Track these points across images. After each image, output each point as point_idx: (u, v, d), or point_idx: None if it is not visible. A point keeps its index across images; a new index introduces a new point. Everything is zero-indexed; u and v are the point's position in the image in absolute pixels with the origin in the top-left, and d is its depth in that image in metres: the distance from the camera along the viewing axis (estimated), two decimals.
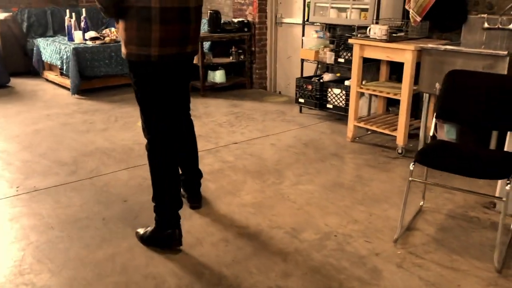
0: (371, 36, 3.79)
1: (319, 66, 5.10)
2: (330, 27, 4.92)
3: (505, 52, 3.02)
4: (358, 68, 3.91)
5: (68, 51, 5.60)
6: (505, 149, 2.78)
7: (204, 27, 5.88)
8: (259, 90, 6.13)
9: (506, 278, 2.17)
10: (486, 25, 3.52)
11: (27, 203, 2.92)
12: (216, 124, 4.60)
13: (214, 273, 2.21)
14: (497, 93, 2.54)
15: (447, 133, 3.68)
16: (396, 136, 3.79)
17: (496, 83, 2.57)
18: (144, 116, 2.38)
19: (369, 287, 2.11)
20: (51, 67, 6.48)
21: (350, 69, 4.39)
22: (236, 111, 5.08)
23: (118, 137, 4.19)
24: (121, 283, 2.14)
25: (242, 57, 5.97)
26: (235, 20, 5.88)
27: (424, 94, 3.62)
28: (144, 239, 2.47)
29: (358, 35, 3.94)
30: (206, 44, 6.15)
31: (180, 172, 2.87)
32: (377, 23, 4.00)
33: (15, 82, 6.34)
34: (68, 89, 5.81)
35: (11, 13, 6.76)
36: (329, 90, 4.54)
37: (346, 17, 4.46)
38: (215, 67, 5.83)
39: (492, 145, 3.34)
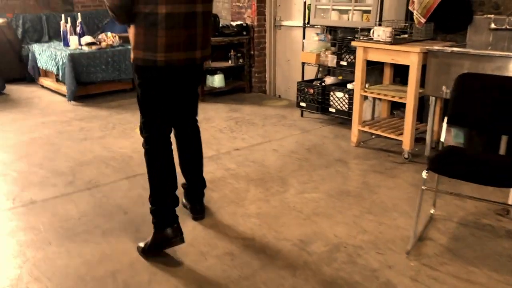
0: (374, 39, 3.70)
1: (320, 69, 5.01)
2: (331, 30, 4.83)
3: None
4: (361, 71, 3.82)
5: (63, 56, 5.49)
6: None
7: None
8: (259, 94, 6.03)
9: None
10: (492, 25, 3.44)
11: (24, 217, 2.81)
12: (216, 130, 4.50)
13: None
14: (511, 96, 2.45)
15: (454, 137, 3.60)
16: (401, 140, 3.70)
17: (509, 86, 2.48)
18: (144, 117, 2.38)
19: None
20: (46, 73, 6.36)
21: (352, 72, 4.31)
22: (236, 116, 4.99)
23: (116, 145, 4.09)
24: None
25: (241, 61, 5.88)
26: (234, 24, 5.79)
27: (430, 97, 3.54)
28: (146, 250, 2.39)
29: (361, 38, 3.85)
30: None
31: (184, 181, 2.79)
32: (380, 25, 3.92)
33: (10, 89, 6.23)
34: (64, 95, 5.71)
35: (5, 19, 6.65)
36: (332, 93, 4.45)
37: (348, 19, 4.37)
38: (213, 72, 5.73)
39: (502, 150, 3.25)
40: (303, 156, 3.78)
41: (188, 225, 2.68)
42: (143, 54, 2.23)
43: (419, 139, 3.86)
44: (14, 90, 6.24)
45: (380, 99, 4.18)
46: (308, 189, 3.16)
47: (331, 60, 4.46)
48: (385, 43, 3.61)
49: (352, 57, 4.20)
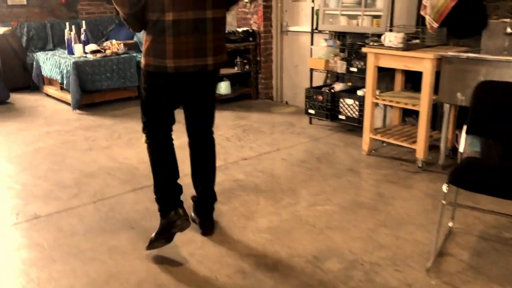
0: (386, 44, 3.60)
1: (329, 75, 4.91)
2: (339, 35, 4.73)
3: None
4: (372, 78, 3.72)
5: (68, 65, 5.43)
6: None
7: None
8: (265, 100, 5.94)
9: None
10: (509, 30, 3.33)
11: (28, 232, 2.73)
12: (223, 138, 4.40)
13: None
14: None
15: (470, 145, 3.48)
16: (414, 149, 3.59)
17: None
18: (146, 117, 2.46)
19: None
20: (51, 82, 6.30)
21: (362, 78, 4.22)
22: (243, 124, 4.90)
23: (122, 155, 4.00)
24: None
25: (247, 67, 5.79)
26: (240, 30, 5.70)
27: (445, 104, 3.43)
28: (154, 240, 2.43)
29: (372, 43, 3.75)
30: None
31: (194, 193, 2.70)
32: (391, 30, 3.82)
33: (14, 97, 6.17)
34: (68, 104, 5.63)
35: (10, 28, 6.61)
36: (341, 100, 4.35)
37: (358, 25, 4.28)
38: (220, 78, 5.64)
39: None
40: (313, 166, 3.68)
41: (197, 241, 2.58)
42: (153, 61, 2.28)
43: (431, 147, 3.74)
44: (19, 99, 6.18)
45: (391, 106, 4.07)
46: (320, 201, 3.06)
47: (340, 66, 4.37)
48: (397, 49, 3.51)
49: (362, 63, 4.10)
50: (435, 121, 3.83)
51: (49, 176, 3.57)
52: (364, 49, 3.74)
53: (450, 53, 3.25)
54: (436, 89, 3.41)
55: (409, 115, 4.12)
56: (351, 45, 4.20)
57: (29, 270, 2.34)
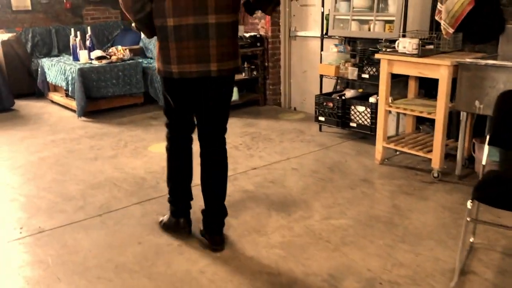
0: (400, 51, 3.49)
1: (339, 81, 4.81)
2: (349, 40, 4.63)
3: None
4: (386, 85, 3.61)
5: (73, 71, 5.35)
6: None
7: None
8: (273, 106, 5.84)
9: None
10: None
11: (31, 248, 2.63)
12: (231, 146, 4.30)
13: None
14: None
15: (488, 155, 3.35)
16: (429, 158, 3.47)
17: None
18: (167, 119, 2.58)
19: None
20: (56, 88, 6.23)
21: (373, 85, 4.12)
22: (252, 131, 4.79)
23: (128, 165, 3.91)
24: None
25: (255, 73, 5.69)
26: (247, 35, 5.61)
27: (462, 112, 3.31)
28: (161, 225, 2.79)
29: (386, 49, 3.64)
30: None
31: (204, 206, 2.61)
32: (404, 36, 3.71)
33: (19, 104, 6.10)
34: (74, 111, 5.56)
35: (15, 34, 6.54)
36: (352, 107, 4.24)
37: (369, 30, 4.17)
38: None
39: None
40: (326, 176, 3.57)
41: (208, 257, 2.48)
42: (162, 66, 2.34)
43: (446, 155, 3.62)
44: (24, 105, 6.11)
45: (404, 114, 3.96)
46: (334, 214, 2.95)
47: (351, 72, 4.26)
48: (411, 55, 3.41)
49: (374, 69, 3.99)
50: (450, 129, 3.72)
51: (54, 187, 3.47)
52: (377, 56, 3.63)
53: (468, 60, 3.14)
54: (451, 96, 3.30)
55: (423, 123, 4.00)
56: (363, 51, 4.09)
57: None
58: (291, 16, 5.54)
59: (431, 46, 3.61)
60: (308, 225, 2.81)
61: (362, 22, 4.27)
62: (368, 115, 4.11)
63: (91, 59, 5.62)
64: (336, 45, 4.56)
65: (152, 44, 6.71)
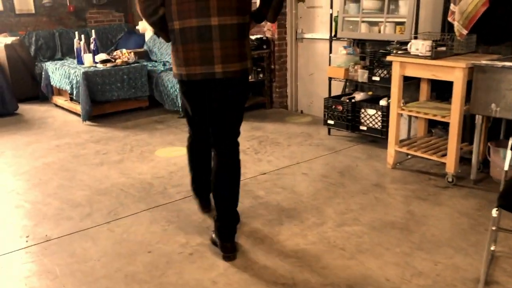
0: (412, 53, 3.42)
1: (347, 84, 4.73)
2: (358, 42, 4.55)
3: None
4: (398, 88, 3.54)
5: (78, 75, 5.28)
6: None
7: None
8: (280, 109, 5.76)
9: None
10: None
11: (38, 257, 2.56)
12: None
13: None
14: None
15: (504, 158, 3.27)
16: (443, 162, 3.39)
17: None
18: (185, 117, 2.72)
19: None
20: (60, 92, 6.16)
21: (384, 88, 4.04)
22: (259, 135, 4.72)
23: (135, 170, 3.84)
24: None
25: (261, 75, 5.62)
26: (253, 37, 5.54)
27: (477, 116, 3.23)
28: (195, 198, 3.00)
29: (397, 51, 3.56)
30: None
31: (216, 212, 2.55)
32: (415, 37, 3.63)
33: (23, 108, 6.04)
34: (78, 115, 5.49)
35: (18, 37, 6.49)
36: (362, 110, 4.17)
37: (379, 32, 4.10)
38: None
39: None
40: (337, 181, 3.49)
41: (219, 267, 2.40)
42: (175, 69, 2.40)
43: (459, 159, 3.54)
44: (27, 110, 6.05)
45: (416, 117, 3.88)
46: (347, 220, 2.87)
47: (361, 75, 4.18)
48: (425, 57, 3.33)
49: (385, 71, 3.91)
50: (463, 133, 3.63)
51: (60, 194, 3.41)
52: (389, 58, 3.56)
53: (484, 62, 3.06)
54: (465, 99, 3.22)
55: (435, 126, 3.92)
56: (373, 53, 4.01)
57: None
58: (298, 18, 5.47)
59: (443, 48, 3.53)
60: (321, 232, 2.73)
61: (371, 24, 4.20)
62: (379, 118, 4.03)
63: (96, 63, 5.55)
64: (345, 47, 4.48)
65: (156, 47, 6.65)
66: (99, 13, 7.69)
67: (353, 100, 4.29)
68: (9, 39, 6.33)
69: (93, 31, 6.05)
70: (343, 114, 4.31)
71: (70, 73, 5.46)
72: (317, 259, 2.45)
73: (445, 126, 3.81)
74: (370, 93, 4.44)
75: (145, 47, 6.83)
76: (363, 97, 4.36)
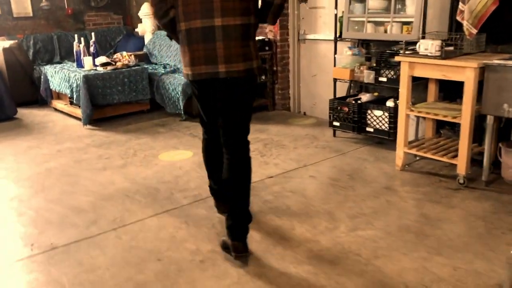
0: (421, 53, 3.37)
1: (352, 85, 4.67)
2: (363, 43, 4.50)
3: None
4: (407, 88, 3.48)
5: (78, 78, 5.20)
6: None
7: None
8: (282, 111, 5.70)
9: None
10: None
11: (44, 266, 2.48)
12: None
13: None
14: None
15: None
16: (453, 164, 3.34)
17: None
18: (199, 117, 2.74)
19: None
20: (59, 96, 6.08)
21: (390, 89, 4.00)
22: (264, 138, 4.66)
23: (139, 174, 3.76)
24: None
25: (263, 77, 5.56)
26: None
27: (488, 116, 3.18)
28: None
29: (405, 51, 3.51)
30: None
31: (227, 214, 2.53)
32: (423, 37, 3.58)
33: (22, 113, 5.95)
34: (78, 119, 5.41)
35: (16, 41, 6.40)
36: (369, 112, 4.11)
37: (385, 31, 4.04)
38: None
39: None
40: (346, 184, 3.43)
41: (233, 275, 2.34)
42: (184, 69, 2.43)
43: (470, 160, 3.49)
44: (27, 114, 5.96)
45: (424, 118, 3.82)
46: (361, 224, 2.81)
47: (367, 75, 4.13)
48: (434, 57, 3.28)
49: (392, 72, 3.86)
50: (474, 133, 3.58)
51: (63, 200, 3.33)
52: (397, 58, 3.51)
53: (496, 61, 3.01)
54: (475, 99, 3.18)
55: (443, 127, 3.87)
56: (380, 53, 3.96)
57: None
58: (300, 19, 5.42)
59: (452, 48, 3.48)
60: (335, 238, 2.67)
61: (377, 24, 4.15)
62: (386, 119, 3.98)
63: (96, 66, 5.48)
64: (350, 48, 4.43)
65: (156, 50, 6.58)
66: (97, 15, 7.61)
67: (359, 102, 4.23)
68: (7, 43, 6.24)
69: (93, 34, 5.97)
70: (349, 115, 4.26)
71: (70, 76, 5.38)
72: (332, 266, 2.39)
73: (453, 126, 3.76)
74: (376, 94, 4.39)
75: (144, 50, 6.76)
76: (369, 98, 4.30)
